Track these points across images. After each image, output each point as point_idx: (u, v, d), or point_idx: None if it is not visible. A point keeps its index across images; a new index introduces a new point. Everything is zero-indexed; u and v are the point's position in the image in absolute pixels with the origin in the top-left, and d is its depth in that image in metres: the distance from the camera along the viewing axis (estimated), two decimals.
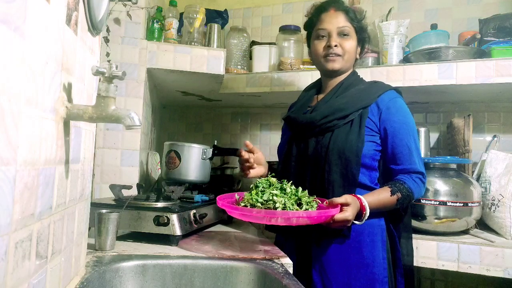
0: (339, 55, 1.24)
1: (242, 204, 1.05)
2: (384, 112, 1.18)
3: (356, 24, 1.25)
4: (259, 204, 1.01)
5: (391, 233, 1.21)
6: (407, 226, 1.26)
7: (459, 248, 1.34)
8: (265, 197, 1.02)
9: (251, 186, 1.10)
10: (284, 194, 1.04)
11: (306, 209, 1.02)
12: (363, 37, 1.30)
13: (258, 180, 1.10)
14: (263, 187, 1.07)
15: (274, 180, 1.10)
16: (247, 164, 1.27)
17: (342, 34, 1.24)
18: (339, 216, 1.00)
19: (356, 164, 1.13)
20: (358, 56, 1.31)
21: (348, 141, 1.15)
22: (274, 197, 1.02)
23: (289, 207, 1.00)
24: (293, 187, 1.08)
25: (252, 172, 1.30)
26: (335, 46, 1.23)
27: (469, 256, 1.32)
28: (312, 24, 1.31)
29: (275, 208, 0.99)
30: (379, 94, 1.21)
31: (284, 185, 1.07)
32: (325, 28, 1.25)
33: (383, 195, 1.12)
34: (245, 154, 1.27)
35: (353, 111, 1.18)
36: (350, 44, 1.25)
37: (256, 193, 1.05)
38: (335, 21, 1.24)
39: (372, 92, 1.22)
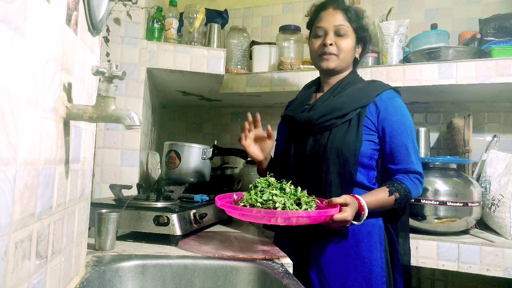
0: (334, 54, 1.24)
1: (241, 204, 1.05)
2: (382, 111, 1.18)
3: (355, 24, 1.24)
4: (258, 204, 1.01)
5: (389, 233, 1.21)
6: (404, 226, 1.26)
7: (459, 248, 1.34)
8: (264, 197, 1.02)
9: (250, 186, 1.10)
10: (284, 194, 1.04)
11: (305, 209, 1.02)
12: (364, 37, 1.29)
13: (257, 180, 1.10)
14: (262, 187, 1.07)
15: (273, 180, 1.10)
16: (245, 131, 1.30)
17: (339, 33, 1.23)
18: (338, 216, 1.00)
19: (354, 163, 1.14)
20: (357, 56, 1.31)
21: (346, 140, 1.15)
22: (274, 197, 1.01)
23: (288, 207, 1.00)
24: (292, 186, 1.08)
25: (250, 147, 1.32)
26: (330, 44, 1.23)
27: (469, 256, 1.32)
28: (312, 22, 1.31)
29: (275, 208, 0.99)
30: (377, 94, 1.21)
31: (283, 185, 1.07)
32: (322, 27, 1.25)
33: (381, 195, 1.12)
34: (249, 119, 1.31)
35: (351, 110, 1.18)
36: (347, 43, 1.24)
37: (255, 193, 1.05)
38: (332, 20, 1.24)
39: (370, 91, 1.22)
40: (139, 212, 1.14)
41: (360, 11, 1.30)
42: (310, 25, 1.33)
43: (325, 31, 1.25)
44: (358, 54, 1.30)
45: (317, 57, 1.27)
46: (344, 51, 1.24)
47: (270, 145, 1.33)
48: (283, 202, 1.00)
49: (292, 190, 1.06)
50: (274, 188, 1.06)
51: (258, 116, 1.32)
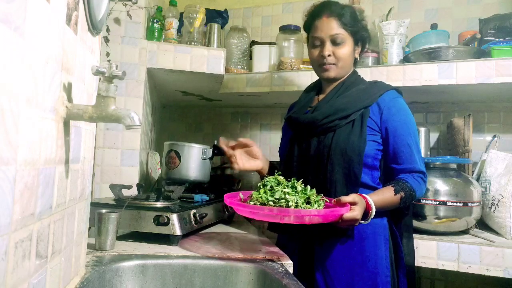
0: (333, 64, 1.24)
1: (251, 202, 1.03)
2: (385, 112, 1.19)
3: (351, 29, 1.24)
4: (270, 203, 1.00)
5: (393, 232, 1.21)
6: (408, 226, 1.26)
7: (459, 248, 1.34)
8: (277, 196, 1.01)
9: (258, 185, 1.09)
10: (296, 192, 1.03)
11: (316, 208, 1.01)
12: (362, 37, 1.29)
13: (266, 178, 1.10)
14: (271, 186, 1.06)
15: (282, 178, 1.09)
16: (230, 157, 1.28)
17: (335, 41, 1.23)
18: (348, 215, 1.00)
19: (358, 163, 1.14)
20: (357, 56, 1.31)
21: (350, 141, 1.15)
22: (287, 196, 1.01)
23: (300, 205, 1.00)
24: (302, 185, 1.07)
25: (246, 165, 1.29)
26: (328, 55, 1.23)
27: (469, 256, 1.32)
28: (309, 28, 1.31)
29: (288, 207, 0.99)
30: (380, 94, 1.21)
31: (295, 183, 1.07)
32: (318, 37, 1.25)
33: (387, 194, 1.12)
34: (225, 149, 1.28)
35: (355, 111, 1.18)
36: (344, 51, 1.23)
37: (265, 191, 1.04)
38: (327, 29, 1.23)
39: (373, 92, 1.22)
40: (139, 212, 1.14)
41: (357, 11, 1.29)
42: (307, 30, 1.32)
43: (322, 41, 1.24)
44: (357, 54, 1.30)
45: (317, 67, 1.28)
46: (342, 59, 1.24)
47: (256, 150, 1.31)
48: (295, 200, 1.00)
49: (303, 189, 1.06)
50: (285, 187, 1.05)
51: (228, 142, 1.29)
